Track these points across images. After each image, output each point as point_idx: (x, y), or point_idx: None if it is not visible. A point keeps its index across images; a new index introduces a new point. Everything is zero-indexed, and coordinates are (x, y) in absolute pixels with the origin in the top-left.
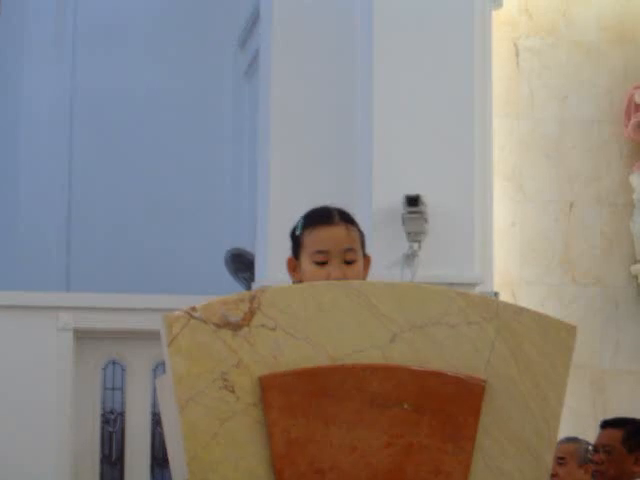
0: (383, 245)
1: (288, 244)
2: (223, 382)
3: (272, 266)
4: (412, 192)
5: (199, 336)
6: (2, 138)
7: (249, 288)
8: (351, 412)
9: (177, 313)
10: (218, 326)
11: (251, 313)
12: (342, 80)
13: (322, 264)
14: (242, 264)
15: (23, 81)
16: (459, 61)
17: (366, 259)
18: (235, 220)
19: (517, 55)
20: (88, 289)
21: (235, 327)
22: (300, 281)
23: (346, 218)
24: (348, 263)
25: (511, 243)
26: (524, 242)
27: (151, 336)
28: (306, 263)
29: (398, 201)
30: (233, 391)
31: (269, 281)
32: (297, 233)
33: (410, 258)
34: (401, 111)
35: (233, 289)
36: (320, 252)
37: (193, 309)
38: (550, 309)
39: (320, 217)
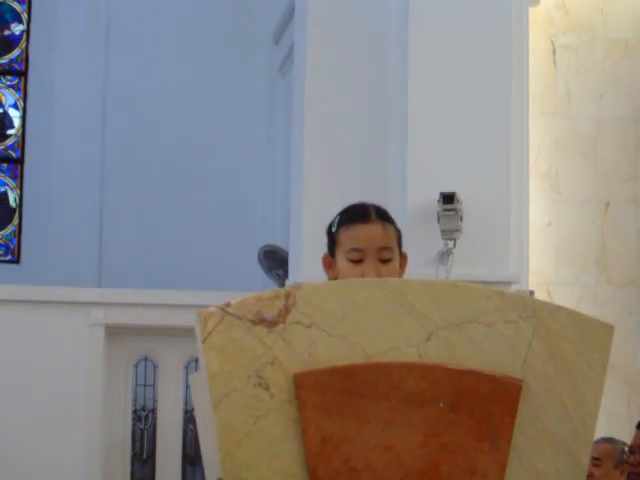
0: (418, 243)
1: (322, 241)
2: (257, 379)
3: (306, 263)
4: (447, 189)
5: (234, 332)
6: (35, 136)
7: (282, 285)
8: (386, 411)
9: (212, 309)
10: (253, 322)
11: (286, 310)
12: (377, 76)
13: (357, 262)
14: (275, 261)
15: (55, 79)
16: (495, 58)
17: (403, 257)
18: (269, 217)
19: (554, 53)
20: (120, 285)
21: (270, 324)
22: (335, 278)
23: (383, 216)
24: (383, 262)
25: (546, 242)
26: (559, 241)
27: (183, 332)
28: (341, 260)
29: (433, 199)
30: (267, 388)
31: (303, 278)
32: (333, 230)
33: (445, 256)
34: (437, 108)
35: (266, 286)
36: (355, 250)
37: (228, 305)
38: (585, 309)
39: (356, 214)
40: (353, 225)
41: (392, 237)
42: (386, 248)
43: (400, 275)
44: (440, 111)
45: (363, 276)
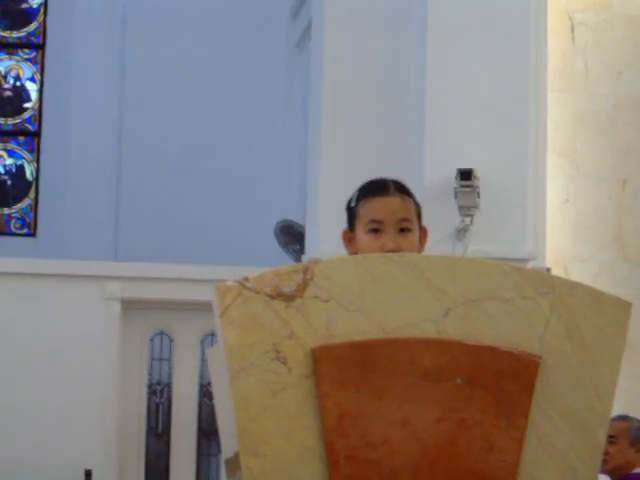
0: (435, 219)
1: (338, 217)
2: (275, 353)
3: (322, 238)
4: (465, 166)
5: (251, 307)
6: (52, 109)
7: (299, 261)
8: (403, 386)
9: (230, 283)
10: (271, 297)
11: (304, 284)
12: (395, 52)
13: (376, 232)
14: (292, 236)
15: (73, 52)
16: (514, 35)
17: (423, 231)
18: (285, 192)
19: (572, 30)
20: (136, 259)
21: (288, 298)
22: (355, 253)
23: (402, 189)
24: (403, 233)
25: (564, 219)
26: (577, 219)
27: (199, 307)
28: (361, 233)
29: (450, 175)
30: (285, 363)
31: (319, 253)
32: (352, 205)
33: (462, 233)
34: (454, 84)
35: (282, 261)
36: (374, 221)
37: (246, 279)
38: (602, 287)
39: (375, 188)
40: (372, 198)
41: (411, 209)
42: (405, 219)
43: (420, 249)
44: (458, 87)
45: (382, 247)
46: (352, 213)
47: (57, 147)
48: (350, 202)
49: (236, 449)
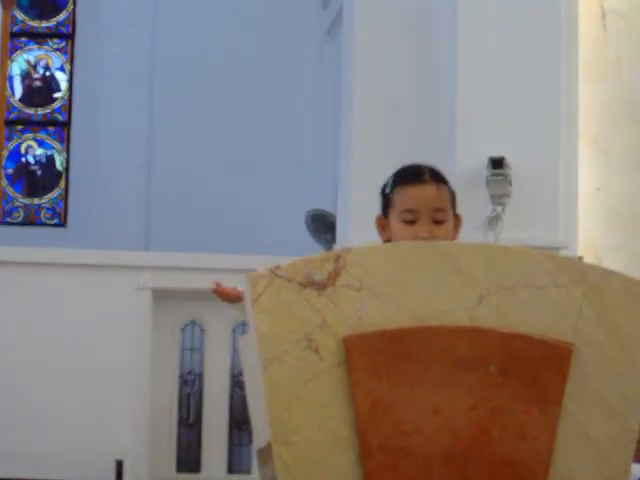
0: (466, 208)
1: (370, 206)
2: (307, 342)
3: (354, 228)
4: (496, 154)
5: (283, 295)
6: (82, 99)
7: (330, 250)
8: (436, 374)
9: (261, 272)
10: (303, 285)
11: (336, 273)
12: (426, 40)
13: (411, 223)
14: (323, 225)
15: (103, 42)
16: (545, 23)
17: (457, 218)
18: (316, 181)
19: (603, 17)
20: (167, 249)
21: (320, 287)
22: (389, 240)
23: (437, 177)
24: (437, 223)
25: (595, 208)
26: (609, 207)
27: None
28: (395, 222)
29: (482, 163)
30: (317, 351)
31: (350, 243)
32: (387, 191)
33: (494, 221)
34: (486, 73)
35: (313, 251)
36: (409, 211)
37: (277, 268)
38: (634, 275)
39: (410, 175)
40: (407, 186)
41: (446, 198)
42: (440, 209)
43: (454, 237)
44: (490, 76)
45: (416, 237)
46: (387, 200)
47: (87, 137)
48: (385, 188)
49: (268, 439)
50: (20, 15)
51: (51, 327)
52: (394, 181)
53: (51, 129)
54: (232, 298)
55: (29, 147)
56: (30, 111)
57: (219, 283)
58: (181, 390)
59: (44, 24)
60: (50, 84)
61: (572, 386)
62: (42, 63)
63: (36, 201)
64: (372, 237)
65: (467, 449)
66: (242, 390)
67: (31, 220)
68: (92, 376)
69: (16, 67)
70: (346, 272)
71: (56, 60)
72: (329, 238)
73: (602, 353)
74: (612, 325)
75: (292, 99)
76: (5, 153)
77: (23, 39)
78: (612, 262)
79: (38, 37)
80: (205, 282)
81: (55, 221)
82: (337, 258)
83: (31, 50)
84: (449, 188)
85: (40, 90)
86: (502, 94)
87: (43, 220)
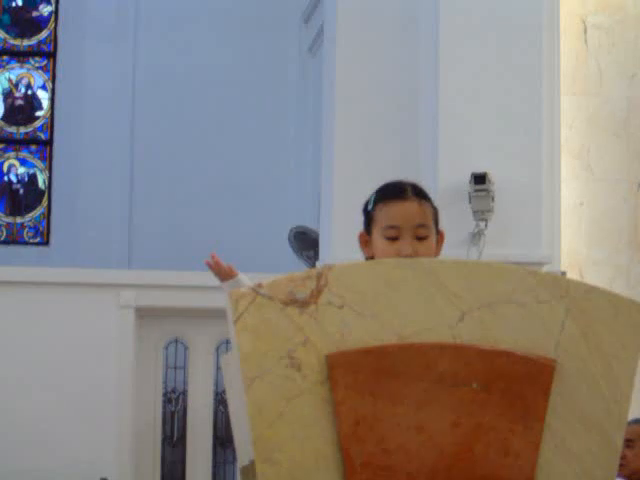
0: (449, 223)
1: (353, 222)
2: (290, 360)
3: (337, 244)
4: (479, 170)
5: (265, 313)
6: (64, 117)
7: (313, 267)
8: (419, 391)
9: (243, 290)
10: (285, 303)
11: (318, 290)
12: (407, 56)
13: (393, 239)
14: (306, 242)
15: (84, 60)
16: (526, 38)
17: (440, 235)
18: (299, 198)
19: (585, 32)
20: (150, 267)
21: (302, 304)
22: (372, 256)
23: (419, 193)
24: (420, 239)
25: (579, 222)
26: (592, 222)
27: (214, 314)
28: (378, 238)
29: (464, 179)
30: (300, 369)
31: (333, 259)
32: (369, 208)
33: (477, 237)
34: (467, 88)
35: (296, 268)
36: (391, 227)
37: (259, 286)
38: (618, 289)
39: (393, 192)
40: (389, 202)
41: (428, 214)
42: (422, 225)
43: (437, 253)
44: (471, 91)
45: (399, 254)
46: (369, 216)
47: (69, 155)
48: (367, 205)
49: (252, 457)
50: (1, 34)
51: (34, 346)
52: (376, 198)
53: (33, 147)
54: (223, 273)
55: (11, 166)
56: (12, 130)
57: (214, 255)
58: (165, 408)
59: (25, 42)
60: (32, 102)
61: (555, 402)
62: (24, 81)
63: (19, 220)
64: (355, 254)
65: (451, 466)
66: (226, 408)
67: (14, 239)
68: (75, 395)
69: None
70: (328, 290)
71: (38, 78)
72: (312, 255)
73: (585, 368)
74: (595, 340)
75: (274, 116)
76: None
77: (4, 57)
78: (596, 277)
79: (20, 55)
80: (188, 300)
81: (38, 239)
82: (319, 276)
83: (13, 69)
84: (431, 204)
85: (22, 109)
86: (484, 109)
87: (26, 239)
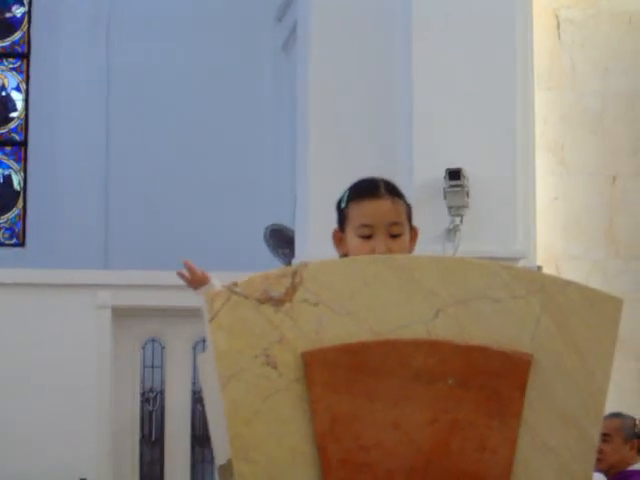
0: (424, 219)
1: (328, 220)
2: (265, 358)
3: (312, 242)
4: (453, 166)
5: (241, 312)
6: (39, 118)
7: (289, 264)
8: (395, 388)
9: (218, 289)
10: (260, 302)
11: (293, 288)
12: (382, 53)
13: (367, 237)
14: (282, 240)
15: (58, 60)
16: (500, 33)
17: (413, 231)
18: (274, 196)
19: (558, 27)
20: (126, 267)
21: (277, 302)
22: (346, 254)
23: (392, 190)
24: (394, 237)
25: (554, 217)
26: (567, 216)
27: (190, 313)
28: (351, 236)
29: (439, 175)
30: (275, 367)
31: (309, 257)
32: (342, 206)
33: (452, 232)
34: (442, 84)
35: (272, 266)
36: (365, 226)
37: (234, 284)
38: (594, 284)
39: (366, 190)
40: (362, 201)
41: (402, 212)
42: (396, 223)
43: (410, 250)
44: (445, 87)
45: (373, 252)
46: (342, 214)
47: (44, 156)
48: (340, 202)
49: (229, 455)
50: None
51: (10, 347)
52: (349, 196)
53: (8, 149)
54: (197, 278)
55: None
56: None
57: (187, 261)
58: (143, 408)
59: None
60: (6, 104)
61: (531, 397)
62: None
63: None
64: (331, 251)
65: (428, 462)
66: (204, 407)
67: None
68: (53, 395)
69: None
70: (303, 287)
71: (12, 80)
72: (288, 253)
73: (561, 363)
74: (570, 335)
75: (249, 114)
76: None
77: None
78: (572, 272)
79: None
80: (164, 299)
81: (13, 241)
82: (294, 273)
83: None
84: (404, 201)
85: None
86: (458, 105)
87: (1, 240)
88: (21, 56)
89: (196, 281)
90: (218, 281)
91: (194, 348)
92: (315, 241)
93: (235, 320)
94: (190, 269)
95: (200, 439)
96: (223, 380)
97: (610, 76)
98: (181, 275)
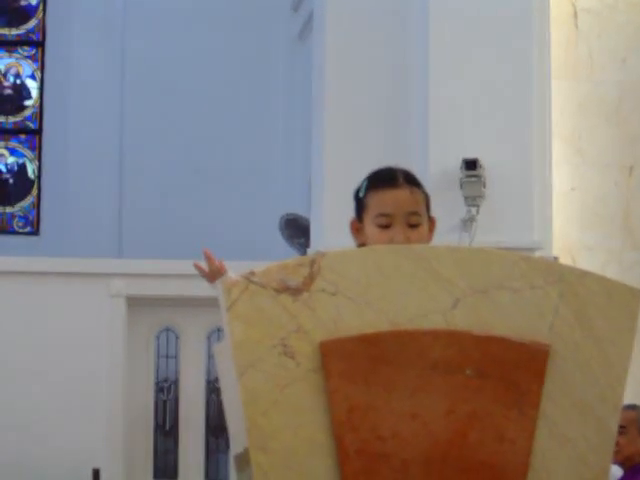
0: (440, 210)
1: (343, 209)
2: (283, 348)
3: (328, 231)
4: (470, 156)
5: (258, 301)
6: (53, 106)
7: (304, 254)
8: (412, 378)
9: (236, 278)
10: (277, 291)
11: (311, 278)
12: (398, 42)
13: (386, 227)
14: (297, 229)
15: (73, 49)
16: (517, 22)
17: (431, 221)
18: (289, 185)
19: (575, 16)
20: (140, 256)
21: (295, 292)
22: (363, 244)
23: (411, 180)
24: (412, 227)
25: (570, 208)
26: (584, 207)
27: (205, 303)
28: (369, 226)
29: (456, 165)
30: (293, 357)
31: (325, 246)
32: (360, 195)
33: (468, 223)
34: (458, 74)
35: (288, 255)
36: (383, 215)
37: (252, 274)
38: (610, 274)
39: (384, 179)
40: (381, 190)
41: (420, 202)
42: (414, 213)
43: (429, 240)
44: (461, 76)
45: (392, 241)
46: (360, 204)
47: (59, 144)
48: (358, 192)
49: (245, 445)
50: None
51: (24, 336)
52: (368, 185)
53: (22, 137)
54: (214, 269)
55: (0, 156)
56: (1, 119)
57: (207, 250)
58: (157, 398)
59: (14, 32)
60: (21, 92)
61: (549, 388)
62: (12, 71)
63: (8, 209)
64: (346, 241)
65: (445, 453)
66: (218, 397)
67: (4, 228)
68: (67, 385)
69: None
70: (321, 277)
71: (26, 68)
72: (303, 242)
73: (579, 354)
74: (588, 325)
75: (264, 103)
76: None
77: None
78: (588, 262)
79: (8, 45)
80: (179, 289)
81: (28, 229)
82: (312, 263)
83: (1, 58)
84: (423, 191)
85: (11, 98)
86: (475, 95)
87: (16, 228)
88: (36, 44)
89: (213, 273)
90: (234, 274)
91: (209, 338)
92: (330, 230)
93: (252, 309)
94: (209, 259)
95: (214, 429)
96: (240, 370)
97: (627, 66)
98: (198, 267)
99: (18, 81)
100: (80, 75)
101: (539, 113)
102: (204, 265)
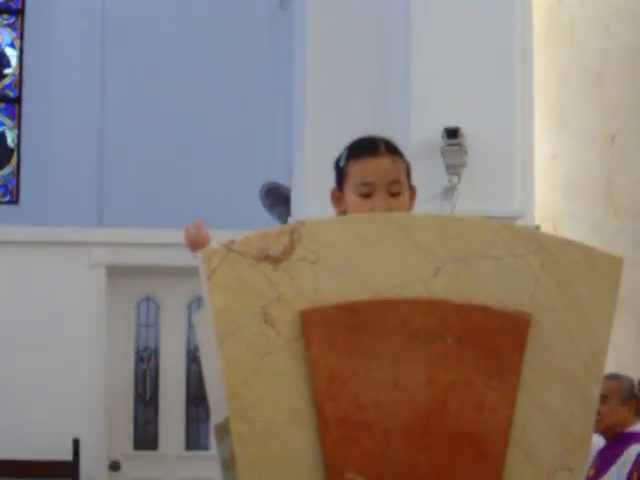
0: (422, 178)
1: (325, 177)
2: (263, 316)
3: (309, 200)
4: (451, 124)
5: (238, 270)
6: (33, 75)
7: (285, 223)
8: (393, 347)
9: (215, 246)
10: (258, 259)
11: (291, 246)
12: (380, 10)
13: (367, 196)
14: (278, 198)
15: (53, 16)
16: None
17: (412, 190)
18: (270, 154)
19: None
20: (120, 225)
21: (275, 261)
22: (344, 213)
23: (392, 149)
24: (393, 195)
25: (553, 177)
26: (566, 176)
27: (185, 272)
28: (350, 195)
29: (437, 133)
30: (273, 326)
31: (306, 215)
32: (341, 164)
33: (449, 191)
34: (440, 42)
35: (268, 225)
36: (365, 184)
37: (232, 242)
38: (593, 243)
39: (365, 148)
40: (362, 159)
41: (401, 170)
42: (395, 182)
43: (410, 208)
44: (443, 45)
45: (373, 210)
46: (341, 173)
47: (39, 113)
48: (339, 161)
49: (226, 414)
50: None
51: (4, 305)
52: (348, 154)
53: (2, 105)
54: (199, 238)
55: None
56: None
57: (199, 220)
58: (137, 367)
59: None
60: (0, 60)
61: (531, 356)
62: None
63: None
64: (327, 210)
65: (426, 422)
66: (199, 366)
67: None
68: (46, 353)
69: None
70: (301, 245)
71: (6, 36)
72: (284, 211)
73: (560, 322)
74: (570, 294)
75: (245, 72)
76: None
77: None
78: (570, 230)
79: None
80: (159, 258)
81: (7, 198)
82: (292, 231)
83: None
84: (404, 160)
85: None
86: (456, 64)
87: None
88: (15, 12)
89: (197, 242)
90: (216, 244)
91: (189, 307)
92: (311, 199)
93: (233, 278)
94: (198, 227)
95: (195, 398)
96: (220, 338)
97: (610, 33)
98: (186, 230)
99: None
100: (61, 44)
101: (521, 81)
102: (193, 232)
